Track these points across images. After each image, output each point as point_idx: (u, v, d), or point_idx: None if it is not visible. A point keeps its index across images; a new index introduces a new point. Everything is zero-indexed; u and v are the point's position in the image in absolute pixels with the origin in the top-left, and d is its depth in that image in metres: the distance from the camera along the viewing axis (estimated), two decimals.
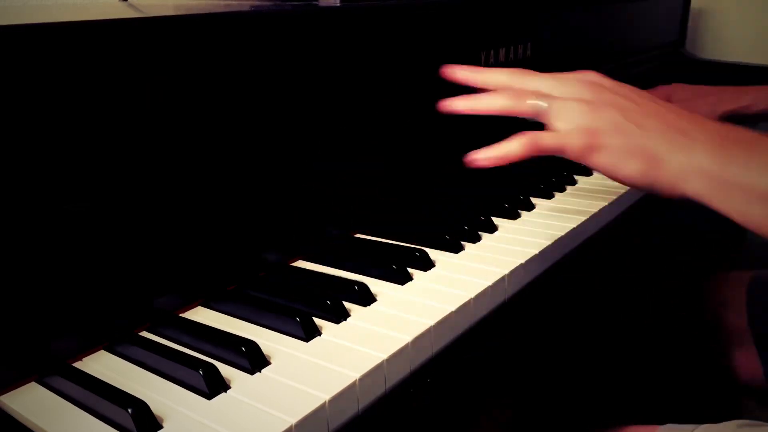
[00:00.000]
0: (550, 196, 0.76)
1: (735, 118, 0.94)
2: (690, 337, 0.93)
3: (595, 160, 0.51)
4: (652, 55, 1.35)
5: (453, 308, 0.51)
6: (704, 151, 0.48)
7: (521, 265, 0.58)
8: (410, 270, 0.57)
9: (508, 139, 0.52)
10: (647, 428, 0.63)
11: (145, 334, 0.51)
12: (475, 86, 0.57)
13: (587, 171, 0.85)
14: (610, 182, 0.81)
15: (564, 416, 0.78)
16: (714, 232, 1.21)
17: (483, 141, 0.83)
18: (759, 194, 0.45)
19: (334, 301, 0.50)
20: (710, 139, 0.48)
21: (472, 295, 0.53)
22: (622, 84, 0.55)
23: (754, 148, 0.47)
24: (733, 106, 0.93)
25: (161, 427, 0.39)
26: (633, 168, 0.49)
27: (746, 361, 0.86)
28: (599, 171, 0.51)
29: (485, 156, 0.53)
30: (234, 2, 0.77)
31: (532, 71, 0.56)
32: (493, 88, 0.56)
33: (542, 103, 0.52)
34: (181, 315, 0.53)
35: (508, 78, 0.56)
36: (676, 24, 1.45)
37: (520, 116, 0.53)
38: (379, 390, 0.45)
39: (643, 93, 0.54)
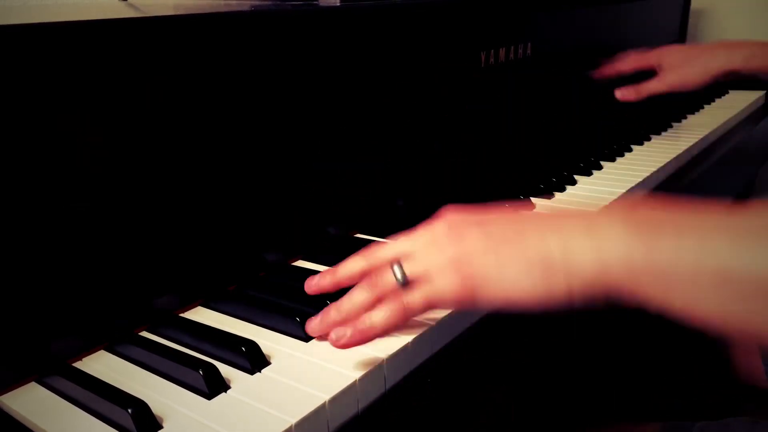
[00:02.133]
0: (550, 196, 0.76)
1: (728, 78, 0.91)
2: (692, 336, 0.93)
3: (480, 295, 0.42)
4: None
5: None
6: (618, 235, 0.38)
7: None
8: None
9: (376, 307, 0.44)
10: (647, 425, 0.63)
11: (145, 334, 0.51)
12: (336, 288, 0.49)
13: (589, 171, 0.85)
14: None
15: (564, 413, 0.78)
16: None
17: (482, 140, 0.82)
18: (727, 278, 0.35)
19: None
20: (618, 222, 0.39)
21: None
22: (482, 209, 0.47)
23: (665, 224, 0.38)
24: (726, 65, 0.90)
25: (161, 427, 0.39)
26: (531, 284, 0.40)
27: (748, 361, 0.85)
28: (497, 307, 0.42)
29: (343, 338, 0.43)
30: (234, 2, 0.77)
31: (383, 244, 0.48)
32: (355, 280, 0.48)
33: (399, 271, 0.44)
34: (181, 315, 0.53)
35: (363, 260, 0.48)
36: (676, 24, 1.45)
37: (388, 294, 0.44)
38: (379, 390, 0.45)
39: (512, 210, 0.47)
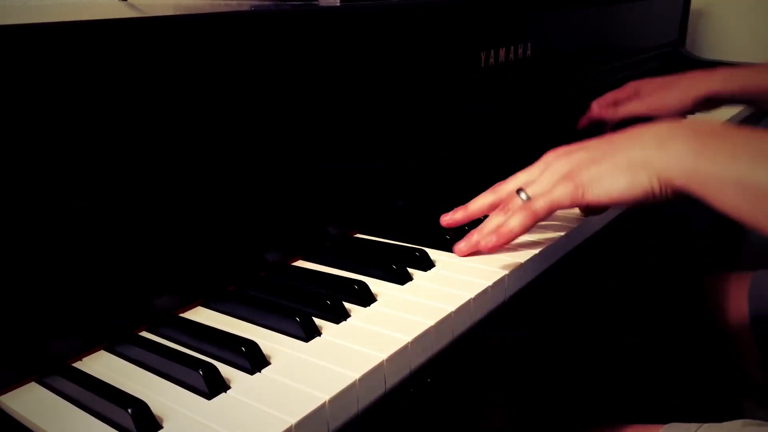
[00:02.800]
0: None
1: (708, 103, 0.90)
2: (693, 335, 0.93)
3: (588, 196, 0.54)
4: (652, 55, 1.35)
5: (453, 308, 0.51)
6: (679, 146, 0.50)
7: (521, 265, 0.58)
8: (410, 270, 0.57)
9: (507, 217, 0.57)
10: (650, 427, 0.63)
11: (145, 334, 0.51)
12: (468, 220, 0.63)
13: None
14: None
15: (566, 415, 0.78)
16: (710, 234, 1.21)
17: (482, 139, 0.82)
18: (745, 186, 0.46)
19: (334, 301, 0.50)
20: (682, 136, 0.51)
21: (472, 295, 0.53)
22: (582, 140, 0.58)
23: (730, 137, 0.49)
24: (705, 89, 0.89)
25: (161, 427, 0.39)
26: (623, 182, 0.52)
27: (749, 361, 0.85)
28: (599, 205, 0.54)
29: (490, 242, 0.57)
30: (234, 2, 0.77)
31: (507, 180, 0.61)
32: (484, 212, 0.62)
33: (524, 195, 0.57)
34: (181, 315, 0.53)
35: (492, 194, 0.61)
36: (676, 24, 1.45)
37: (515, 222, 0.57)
38: (379, 390, 0.45)
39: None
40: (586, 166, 0.55)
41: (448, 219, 0.63)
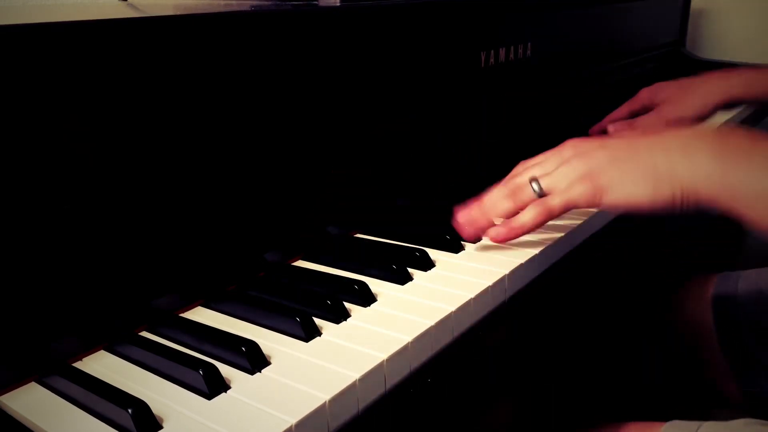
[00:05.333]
0: None
1: (728, 107, 0.88)
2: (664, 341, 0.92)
3: (606, 199, 0.52)
4: (652, 55, 1.35)
5: (453, 308, 0.51)
6: (706, 157, 0.49)
7: (522, 265, 0.58)
8: (410, 270, 0.57)
9: (521, 213, 0.55)
10: (651, 425, 0.63)
11: (145, 334, 0.51)
12: (491, 225, 0.58)
13: None
14: None
15: (566, 413, 0.78)
16: (709, 238, 1.20)
17: (481, 139, 0.82)
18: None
19: (334, 301, 0.50)
20: (709, 145, 0.49)
21: (473, 294, 0.53)
22: (601, 137, 0.57)
23: (755, 148, 0.48)
24: (725, 94, 0.86)
25: (161, 427, 0.39)
26: (644, 191, 0.51)
27: (722, 379, 0.83)
28: (617, 209, 0.54)
29: (499, 234, 0.56)
30: (234, 2, 0.77)
31: (519, 168, 0.59)
32: (503, 214, 0.58)
33: (536, 186, 0.55)
34: (181, 315, 0.53)
35: (504, 188, 0.58)
36: (676, 24, 1.45)
37: (527, 203, 0.56)
38: (379, 390, 0.45)
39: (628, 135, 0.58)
40: (606, 167, 0.53)
41: (470, 228, 0.59)
